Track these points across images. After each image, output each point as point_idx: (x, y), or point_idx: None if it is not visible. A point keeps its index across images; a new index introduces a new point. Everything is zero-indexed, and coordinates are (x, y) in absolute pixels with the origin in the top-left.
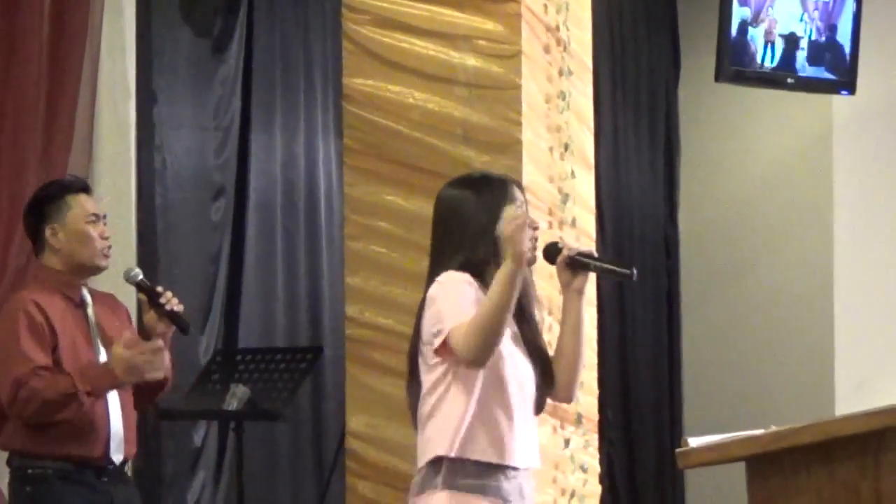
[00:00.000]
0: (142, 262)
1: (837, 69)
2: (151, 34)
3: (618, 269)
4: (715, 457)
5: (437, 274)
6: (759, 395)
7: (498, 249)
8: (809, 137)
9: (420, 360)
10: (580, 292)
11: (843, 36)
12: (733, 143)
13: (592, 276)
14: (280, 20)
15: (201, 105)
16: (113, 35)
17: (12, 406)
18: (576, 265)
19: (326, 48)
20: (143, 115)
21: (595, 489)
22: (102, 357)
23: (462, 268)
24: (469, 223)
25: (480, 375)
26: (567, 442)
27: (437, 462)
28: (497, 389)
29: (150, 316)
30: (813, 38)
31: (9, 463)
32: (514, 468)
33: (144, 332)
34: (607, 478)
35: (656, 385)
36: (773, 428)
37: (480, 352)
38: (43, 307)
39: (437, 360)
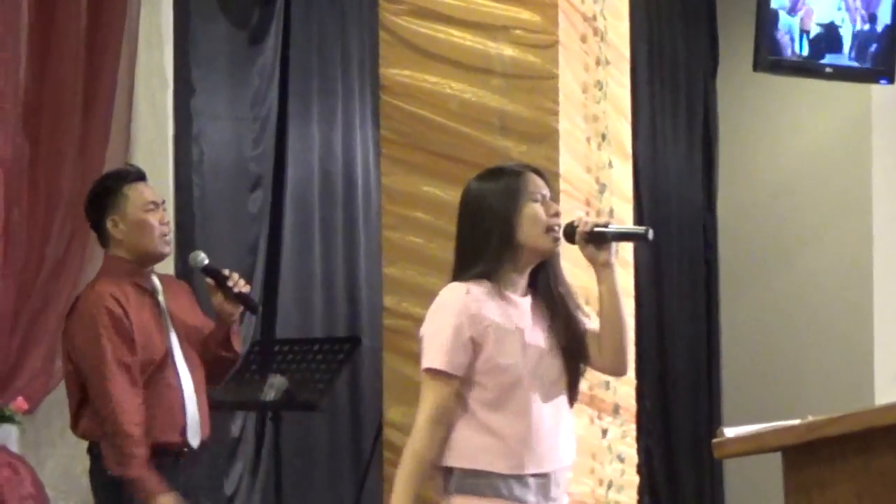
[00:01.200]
0: (179, 253)
1: (876, 58)
2: (189, 25)
3: (632, 232)
4: (751, 447)
5: (458, 273)
6: (797, 385)
7: (514, 243)
8: (848, 126)
9: None
10: (608, 265)
11: (883, 24)
12: (771, 133)
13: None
14: (317, 10)
15: (238, 96)
16: (150, 26)
17: (104, 424)
18: (593, 239)
19: (363, 38)
20: (181, 105)
21: (633, 479)
22: (174, 343)
23: (477, 267)
24: (484, 220)
25: (486, 387)
26: (604, 432)
27: (448, 468)
28: (504, 399)
29: (219, 299)
30: (852, 26)
31: (89, 451)
32: (533, 475)
33: (217, 316)
34: (645, 468)
35: (694, 375)
36: (810, 418)
37: None
38: (119, 300)
39: None
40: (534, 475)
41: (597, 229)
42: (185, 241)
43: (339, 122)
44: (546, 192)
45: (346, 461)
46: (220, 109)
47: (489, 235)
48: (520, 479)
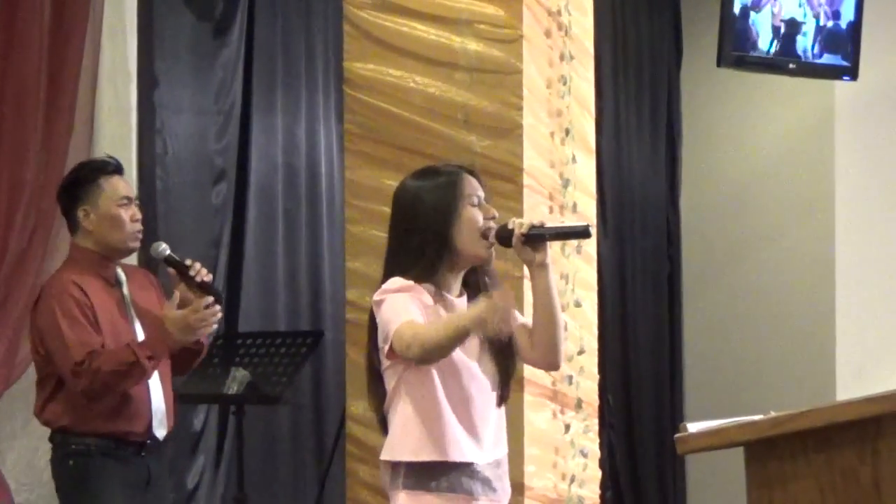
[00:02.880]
0: (142, 247)
1: (840, 55)
2: (153, 17)
3: (571, 229)
4: (713, 442)
5: (390, 276)
6: (759, 380)
7: (450, 246)
8: (811, 123)
9: (381, 368)
10: (544, 266)
11: (846, 21)
12: (735, 129)
13: (591, 261)
14: (281, 3)
15: (202, 89)
16: (114, 18)
17: (83, 391)
18: (532, 240)
19: (327, 32)
20: (144, 98)
21: (595, 474)
22: (139, 334)
23: (414, 271)
24: (420, 223)
25: (430, 380)
26: (567, 427)
27: (396, 464)
28: (448, 392)
29: (182, 288)
30: (816, 23)
31: (51, 439)
32: (474, 465)
33: (181, 307)
34: (607, 462)
35: (657, 370)
36: (773, 413)
37: (426, 357)
38: (82, 287)
39: (388, 364)
40: (473, 465)
41: (534, 231)
42: (148, 234)
43: (303, 115)
44: (482, 193)
45: (308, 455)
46: (183, 102)
47: (425, 240)
48: (461, 468)
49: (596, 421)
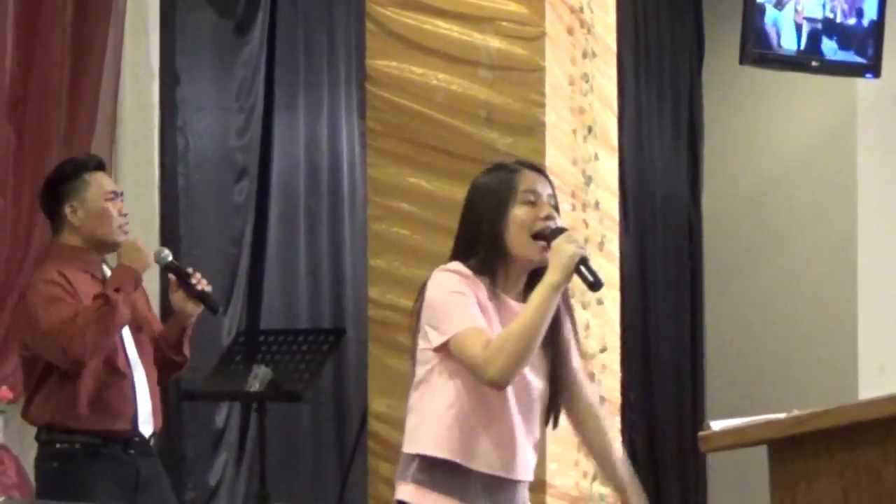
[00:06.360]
0: (164, 243)
1: (862, 52)
2: (175, 15)
3: (592, 276)
4: (736, 440)
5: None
6: (781, 378)
7: (503, 245)
8: (834, 120)
9: (417, 345)
10: (556, 287)
11: (869, 19)
12: (757, 126)
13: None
14: (303, 1)
15: (224, 86)
16: (136, 16)
17: (64, 354)
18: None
19: (350, 29)
20: (167, 96)
21: None
22: (124, 331)
23: (472, 261)
24: (474, 224)
25: (464, 378)
26: None
27: (412, 455)
28: (480, 395)
29: (179, 296)
30: (838, 21)
31: (37, 438)
32: (490, 476)
33: (174, 316)
34: (629, 460)
35: (679, 368)
36: (796, 412)
37: (509, 376)
38: (67, 277)
39: (427, 349)
40: (488, 475)
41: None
42: (170, 232)
43: (325, 112)
44: (542, 189)
45: (330, 452)
46: (205, 100)
47: (479, 236)
48: (473, 474)
49: (618, 418)
